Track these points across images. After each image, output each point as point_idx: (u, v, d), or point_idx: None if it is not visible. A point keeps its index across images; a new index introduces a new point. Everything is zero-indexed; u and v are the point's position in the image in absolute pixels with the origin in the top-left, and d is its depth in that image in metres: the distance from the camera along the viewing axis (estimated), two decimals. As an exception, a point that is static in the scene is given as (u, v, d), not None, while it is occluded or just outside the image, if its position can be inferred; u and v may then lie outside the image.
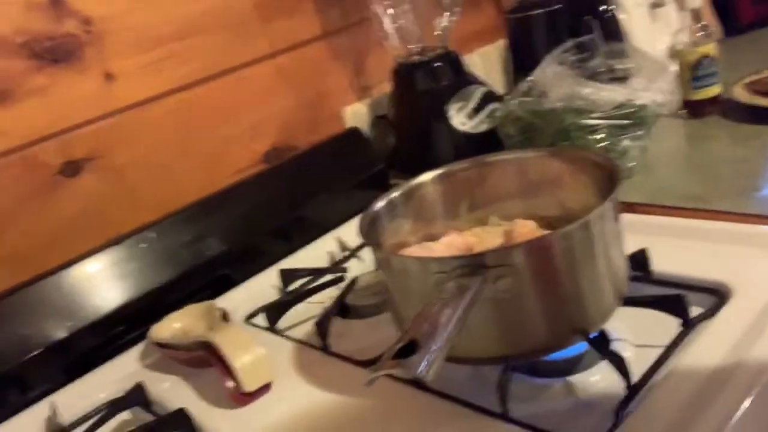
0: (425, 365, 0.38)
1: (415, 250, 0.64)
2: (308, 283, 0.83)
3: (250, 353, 0.62)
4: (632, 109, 0.82)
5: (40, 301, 0.75)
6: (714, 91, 0.96)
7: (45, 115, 0.81)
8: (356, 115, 1.10)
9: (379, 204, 0.64)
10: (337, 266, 0.84)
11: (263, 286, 0.84)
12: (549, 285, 0.51)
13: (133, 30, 0.87)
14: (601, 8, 0.98)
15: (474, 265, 0.50)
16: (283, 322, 0.76)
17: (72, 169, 0.84)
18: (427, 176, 0.67)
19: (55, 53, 0.82)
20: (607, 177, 0.56)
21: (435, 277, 0.50)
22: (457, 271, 0.50)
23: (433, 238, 0.68)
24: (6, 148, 0.79)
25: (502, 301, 0.50)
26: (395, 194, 0.65)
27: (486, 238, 0.66)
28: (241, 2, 0.96)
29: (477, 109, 1.01)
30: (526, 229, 0.62)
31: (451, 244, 0.65)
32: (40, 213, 0.81)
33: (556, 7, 1.02)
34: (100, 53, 0.85)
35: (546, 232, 0.62)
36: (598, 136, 0.82)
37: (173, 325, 0.74)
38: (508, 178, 0.65)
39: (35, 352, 0.72)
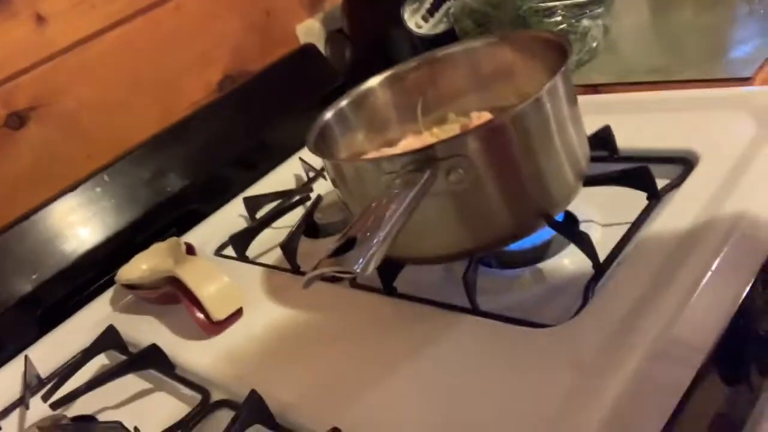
0: (362, 261, 0.36)
1: (374, 157, 0.61)
2: (275, 208, 0.81)
3: (215, 282, 0.61)
4: (587, -14, 0.78)
5: (3, 255, 0.73)
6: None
7: (-22, 65, 0.77)
8: (310, 31, 1.06)
9: (328, 114, 0.61)
10: (302, 188, 0.82)
11: (230, 217, 0.82)
12: (506, 170, 0.49)
13: (56, -35, 0.82)
14: None
15: (424, 159, 0.47)
16: (252, 251, 0.74)
17: (17, 120, 0.80)
18: (374, 80, 0.64)
19: (-22, -3, 0.77)
20: (558, 54, 0.53)
21: (386, 177, 0.48)
22: (407, 167, 0.47)
23: (391, 144, 0.65)
24: (-60, 105, 0.75)
25: (459, 194, 0.48)
26: (344, 103, 0.62)
27: (445, 136, 0.63)
28: None
29: (432, 10, 0.97)
30: (481, 120, 0.60)
31: (409, 146, 0.63)
32: (-9, 167, 0.79)
33: None
34: (27, -6, 0.80)
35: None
36: (556, 19, 0.78)
37: (141, 266, 0.72)
38: (459, 73, 0.62)
39: (3, 309, 0.71)
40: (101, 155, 0.84)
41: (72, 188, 0.78)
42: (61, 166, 0.83)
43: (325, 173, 0.83)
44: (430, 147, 0.48)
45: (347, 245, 0.37)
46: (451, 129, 0.64)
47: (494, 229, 0.51)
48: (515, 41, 0.60)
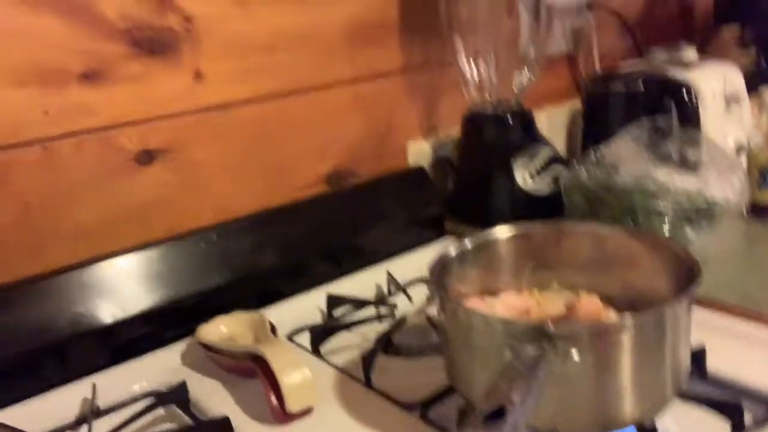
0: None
1: (477, 303, 0.65)
2: (353, 311, 0.83)
3: (300, 373, 0.63)
4: (702, 201, 0.83)
5: (97, 282, 0.76)
6: (780, 195, 0.97)
7: (133, 101, 0.83)
8: (419, 152, 1.12)
9: (452, 251, 0.65)
10: (383, 300, 0.85)
11: (308, 305, 0.85)
12: (612, 370, 0.52)
13: (229, 35, 0.89)
14: (680, 94, 0.99)
15: (543, 335, 0.50)
16: (324, 346, 0.77)
17: (147, 157, 0.86)
18: (503, 231, 0.68)
19: (154, 44, 0.84)
20: (684, 270, 0.57)
21: (502, 338, 0.51)
22: (525, 338, 0.50)
23: (492, 291, 0.69)
24: (91, 127, 0.81)
25: (562, 376, 0.51)
26: (469, 244, 0.66)
27: (545, 304, 0.67)
28: (333, 27, 0.99)
29: (541, 170, 1.02)
30: (591, 305, 0.63)
31: (510, 303, 0.66)
32: (110, 195, 0.83)
33: (638, 86, 1.03)
34: (195, 52, 0.87)
35: (610, 310, 0.63)
36: (665, 222, 0.82)
37: (221, 329, 0.75)
38: (581, 248, 0.66)
39: (81, 332, 0.73)
40: (205, 212, 0.89)
41: (180, 236, 0.82)
42: (170, 213, 0.87)
43: (408, 291, 0.86)
44: (550, 326, 0.50)
45: (496, 413, 0.40)
46: (553, 298, 0.67)
47: (582, 418, 0.53)
48: (645, 238, 0.64)
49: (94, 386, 0.69)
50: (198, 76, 0.88)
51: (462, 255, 0.65)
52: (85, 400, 0.69)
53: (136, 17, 0.82)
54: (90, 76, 0.80)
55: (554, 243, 0.67)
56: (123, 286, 0.77)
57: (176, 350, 0.77)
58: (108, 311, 0.75)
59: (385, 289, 0.89)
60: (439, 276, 0.61)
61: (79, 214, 0.81)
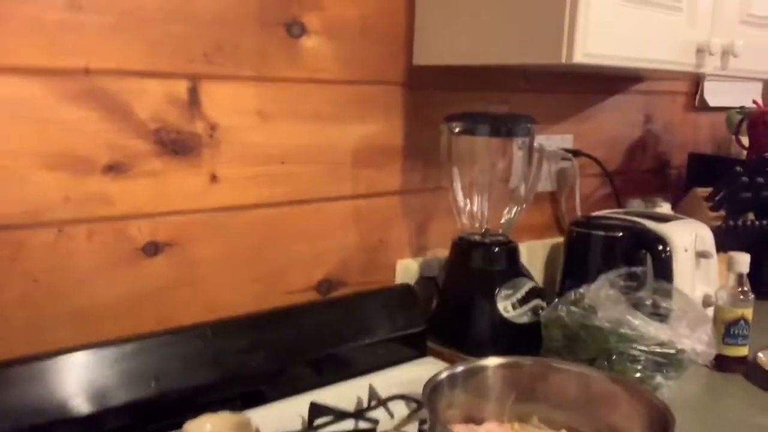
0: None
1: (461, 429, 0.68)
2: (333, 421, 0.85)
3: (286, 482, 0.64)
4: (673, 350, 0.88)
5: (86, 368, 0.77)
6: (743, 351, 1.03)
7: (148, 195, 0.88)
8: (407, 270, 1.17)
9: (444, 374, 0.68)
10: (364, 413, 0.87)
11: (289, 412, 0.86)
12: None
13: (247, 145, 0.95)
14: (656, 246, 1.06)
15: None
16: (304, 456, 0.78)
17: (153, 249, 0.89)
18: (494, 361, 0.72)
19: (177, 146, 0.89)
20: (659, 419, 0.61)
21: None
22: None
23: (476, 418, 0.72)
24: (106, 215, 0.85)
25: None
26: (460, 369, 0.70)
27: (525, 435, 0.70)
28: (342, 147, 1.06)
29: (522, 300, 1.07)
30: (569, 443, 0.66)
31: (492, 432, 0.69)
32: (114, 282, 0.86)
33: (617, 234, 1.11)
34: (214, 156, 0.93)
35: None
36: (638, 366, 0.87)
37: (206, 427, 0.76)
38: (564, 387, 0.70)
39: (68, 416, 0.74)
40: (200, 309, 0.92)
41: (168, 331, 0.85)
42: (164, 305, 0.90)
43: (388, 406, 0.88)
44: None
45: None
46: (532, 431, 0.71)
47: None
48: (627, 386, 0.69)
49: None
50: (213, 178, 0.93)
51: (452, 379, 0.69)
52: (63, 486, 0.69)
53: (165, 119, 0.88)
54: (113, 168, 0.85)
55: (540, 378, 0.71)
56: (112, 374, 0.79)
57: (160, 444, 0.77)
58: (94, 399, 0.77)
59: (365, 402, 0.91)
60: (430, 397, 0.65)
61: (82, 298, 0.84)
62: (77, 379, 0.77)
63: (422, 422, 0.80)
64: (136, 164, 0.86)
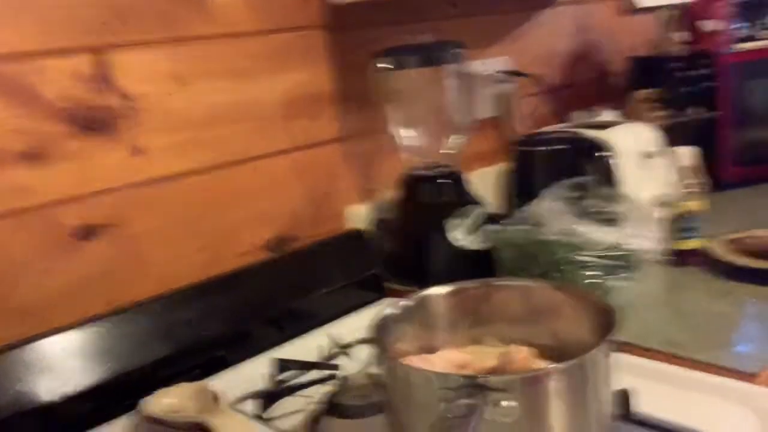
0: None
1: (416, 360, 0.67)
2: (298, 374, 0.85)
3: (245, 440, 0.64)
4: (622, 252, 0.88)
5: (38, 359, 0.76)
6: (694, 243, 1.03)
7: (71, 178, 0.85)
8: (357, 216, 1.15)
9: (390, 310, 0.68)
10: (328, 361, 0.87)
11: (252, 372, 0.86)
12: (541, 415, 0.55)
13: (166, 112, 0.92)
14: (598, 153, 1.06)
15: (477, 386, 0.53)
16: (271, 412, 0.78)
17: (86, 233, 0.87)
18: (439, 289, 0.71)
19: (92, 122, 0.86)
20: (604, 318, 0.61)
21: (438, 392, 0.54)
22: (461, 390, 0.53)
23: (431, 348, 0.71)
24: (30, 205, 0.82)
25: (494, 425, 0.54)
26: (406, 303, 0.69)
27: (481, 357, 0.69)
28: (269, 101, 1.03)
29: (474, 228, 1.07)
30: (521, 355, 0.66)
31: (448, 359, 0.69)
32: (51, 271, 0.84)
33: (560, 147, 1.10)
34: (133, 128, 0.90)
35: (538, 360, 0.67)
36: (588, 273, 0.87)
37: (164, 401, 0.75)
38: (510, 303, 0.70)
39: (26, 409, 0.73)
40: (149, 284, 0.90)
41: (117, 311, 0.83)
42: (111, 286, 0.88)
43: (349, 352, 0.88)
44: (485, 377, 0.54)
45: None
46: (488, 351, 0.70)
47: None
48: (568, 290, 0.68)
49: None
50: (136, 150, 0.90)
51: (400, 314, 0.68)
52: (26, 481, 0.68)
53: (74, 97, 0.84)
54: (28, 155, 0.81)
55: (486, 299, 0.71)
56: (65, 362, 0.77)
57: (120, 426, 0.76)
58: (51, 389, 0.75)
59: (328, 352, 0.91)
60: (379, 335, 0.64)
61: (20, 292, 0.81)
62: (29, 371, 0.75)
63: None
64: (51, 148, 0.83)
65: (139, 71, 0.89)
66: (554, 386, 0.55)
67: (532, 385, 0.55)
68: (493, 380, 0.54)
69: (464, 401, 0.51)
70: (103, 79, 0.86)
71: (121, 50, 0.87)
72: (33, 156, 0.82)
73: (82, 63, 0.84)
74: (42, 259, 0.83)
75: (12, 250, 0.81)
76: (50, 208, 0.84)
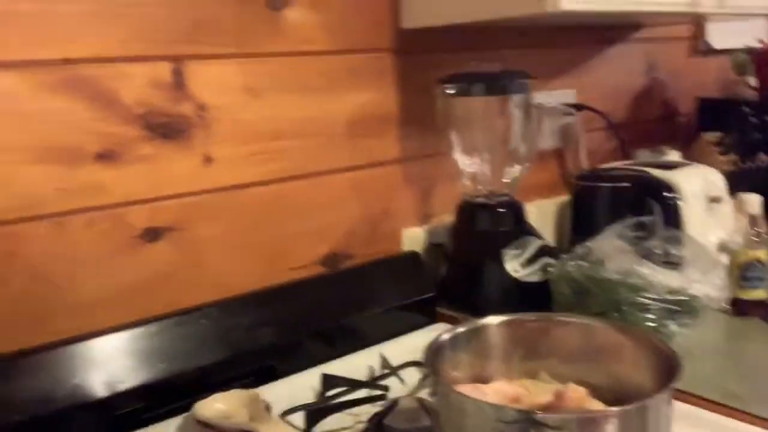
0: None
1: (468, 389, 0.67)
2: (346, 392, 0.85)
3: (294, 454, 0.64)
4: (684, 297, 0.86)
5: (96, 355, 0.78)
6: (760, 294, 1.00)
7: (143, 181, 0.87)
8: (413, 238, 1.16)
9: (446, 336, 0.68)
10: (377, 382, 0.87)
11: (302, 385, 0.87)
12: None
13: (239, 123, 0.94)
14: (664, 194, 1.04)
15: (533, 421, 0.53)
16: (317, 427, 0.78)
17: (152, 235, 0.89)
18: (495, 319, 0.71)
19: (167, 129, 0.89)
20: (666, 364, 0.60)
21: (493, 423, 0.54)
22: (515, 425, 0.53)
23: (482, 378, 0.71)
24: (102, 204, 0.84)
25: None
26: (461, 330, 0.69)
27: (535, 392, 0.69)
28: (336, 118, 1.04)
29: (531, 260, 1.06)
30: (577, 394, 0.65)
31: (500, 391, 0.68)
32: (115, 269, 0.86)
33: (624, 184, 1.09)
34: (206, 137, 0.92)
35: (594, 401, 0.66)
36: (649, 315, 0.86)
37: (216, 405, 0.76)
38: (569, 339, 0.69)
39: (81, 403, 0.75)
40: (205, 290, 0.92)
41: (176, 313, 0.85)
42: (171, 289, 0.90)
43: (399, 374, 0.88)
44: (541, 414, 0.53)
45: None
46: (542, 387, 0.70)
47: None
48: (631, 332, 0.67)
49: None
50: (207, 159, 0.93)
51: (455, 340, 0.68)
52: (78, 473, 0.70)
53: (151, 103, 0.87)
54: (105, 156, 0.84)
55: (544, 333, 0.70)
56: (122, 359, 0.79)
57: (173, 425, 0.78)
58: (106, 384, 0.77)
59: (377, 372, 0.91)
60: (433, 360, 0.64)
61: (85, 288, 0.84)
62: (87, 365, 0.78)
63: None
64: (127, 151, 0.86)
65: (214, 82, 0.92)
66: (612, 430, 0.54)
67: (589, 425, 0.54)
68: (550, 418, 0.53)
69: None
70: (179, 87, 0.89)
71: (199, 61, 0.90)
72: (108, 157, 0.85)
73: (161, 71, 0.87)
74: (108, 257, 0.85)
75: (81, 246, 0.84)
76: (120, 209, 0.86)
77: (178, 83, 0.89)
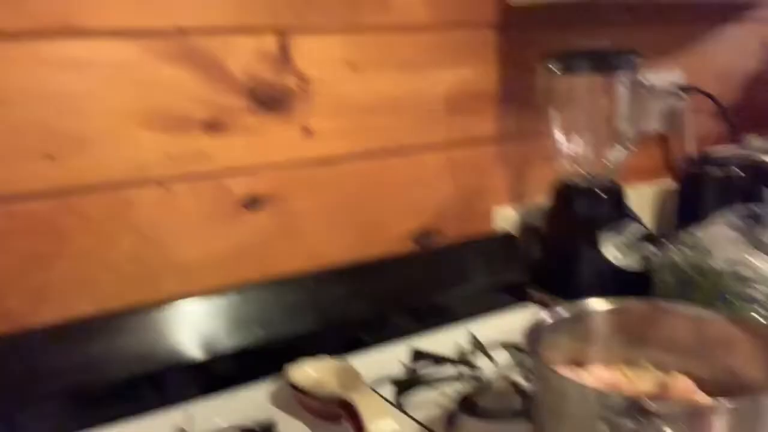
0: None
1: (567, 373, 0.65)
2: (433, 366, 0.85)
3: (387, 424, 0.65)
4: (798, 291, 0.81)
5: (192, 317, 0.81)
6: None
7: (245, 150, 0.89)
8: (505, 218, 1.14)
9: (548, 318, 0.66)
10: (466, 360, 0.86)
11: (390, 357, 0.87)
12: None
13: (338, 97, 0.95)
14: (778, 182, 0.99)
15: (642, 410, 0.51)
16: (405, 399, 0.78)
17: (252, 202, 0.91)
18: (600, 303, 0.69)
19: (270, 100, 0.90)
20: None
21: (597, 410, 0.52)
22: (621, 412, 0.51)
23: (579, 362, 0.69)
24: (207, 170, 0.87)
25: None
26: (565, 312, 0.67)
27: (635, 381, 0.66)
28: (434, 94, 1.03)
29: (630, 246, 1.02)
30: (682, 385, 0.63)
31: (599, 377, 0.67)
32: (215, 235, 0.88)
33: (735, 171, 1.03)
34: (306, 110, 0.93)
35: (701, 393, 0.63)
36: (757, 308, 0.81)
37: (309, 372, 0.78)
38: (678, 329, 0.66)
39: (178, 363, 0.78)
40: (301, 260, 0.93)
41: (271, 281, 0.87)
42: (266, 256, 0.92)
43: (491, 354, 0.87)
44: (649, 402, 0.51)
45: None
46: (643, 376, 0.67)
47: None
48: (747, 325, 0.64)
49: (189, 415, 0.72)
50: (306, 131, 0.94)
51: (556, 323, 0.66)
52: (177, 428, 0.72)
53: (257, 75, 0.88)
54: (211, 125, 0.86)
55: (650, 321, 0.67)
56: (219, 322, 0.82)
57: (264, 388, 0.80)
58: (203, 346, 0.80)
59: (466, 350, 0.90)
60: (533, 341, 0.62)
61: (187, 251, 0.87)
62: (187, 327, 0.81)
63: (525, 369, 0.79)
64: (231, 120, 0.88)
65: (317, 55, 0.92)
66: (723, 423, 0.52)
67: (699, 417, 0.51)
68: (662, 407, 0.51)
69: (629, 425, 0.49)
70: (284, 59, 0.90)
71: (303, 33, 0.91)
72: (213, 126, 0.87)
73: (267, 42, 0.88)
74: (209, 223, 0.88)
75: (184, 211, 0.86)
76: (223, 176, 0.88)
77: (283, 55, 0.90)
